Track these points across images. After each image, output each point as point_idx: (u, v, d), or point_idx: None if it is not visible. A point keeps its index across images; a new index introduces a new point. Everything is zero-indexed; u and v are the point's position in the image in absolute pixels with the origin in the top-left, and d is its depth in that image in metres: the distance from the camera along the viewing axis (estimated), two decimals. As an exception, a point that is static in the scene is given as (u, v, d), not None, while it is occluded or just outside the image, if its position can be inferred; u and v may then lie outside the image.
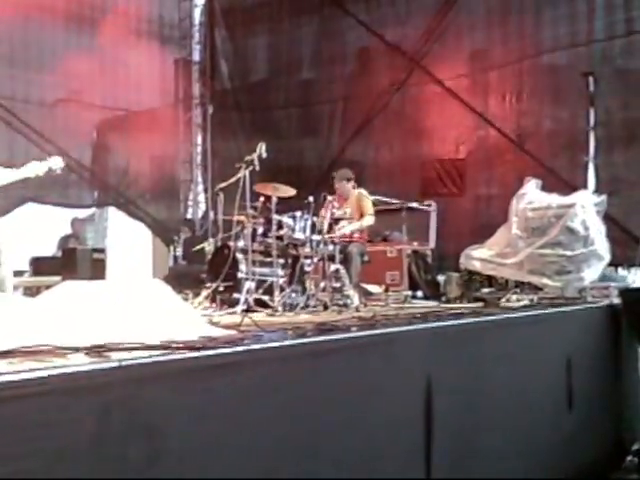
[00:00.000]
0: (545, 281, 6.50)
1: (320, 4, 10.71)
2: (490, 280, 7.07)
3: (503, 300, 6.16)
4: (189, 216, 11.31)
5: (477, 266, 6.86)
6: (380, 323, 3.84)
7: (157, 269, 10.22)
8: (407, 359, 3.42)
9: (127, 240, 10.99)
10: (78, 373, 2.16)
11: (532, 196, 6.81)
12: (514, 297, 6.26)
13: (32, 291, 6.29)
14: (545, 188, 6.95)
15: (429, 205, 8.74)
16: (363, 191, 6.61)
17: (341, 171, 6.64)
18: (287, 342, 2.96)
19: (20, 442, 1.92)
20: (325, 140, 10.58)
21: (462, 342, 3.87)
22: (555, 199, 6.70)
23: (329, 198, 6.18)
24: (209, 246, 7.04)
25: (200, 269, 7.55)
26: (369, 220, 6.45)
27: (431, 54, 9.93)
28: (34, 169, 4.37)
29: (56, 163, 4.48)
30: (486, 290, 7.00)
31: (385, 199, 7.66)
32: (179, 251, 9.55)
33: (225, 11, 11.47)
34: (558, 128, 9.05)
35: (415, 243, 8.12)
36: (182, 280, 7.20)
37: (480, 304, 6.08)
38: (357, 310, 5.25)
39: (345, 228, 6.13)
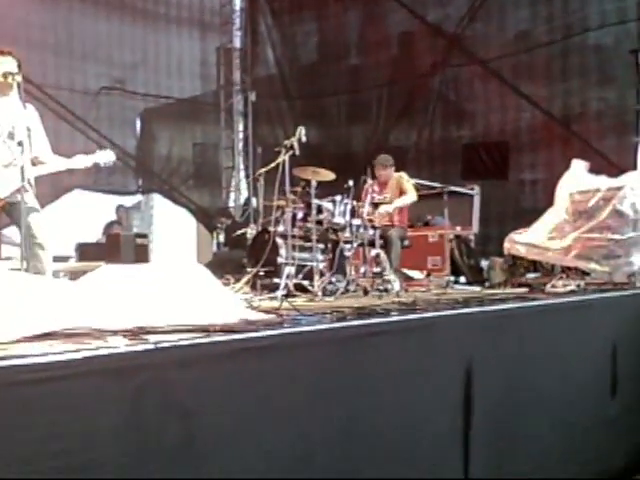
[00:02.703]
0: (593, 266, 6.33)
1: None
2: (535, 265, 6.92)
3: (549, 286, 6.02)
4: (231, 203, 11.39)
5: (522, 251, 6.72)
6: (420, 308, 3.79)
7: (201, 255, 10.34)
8: (447, 344, 3.37)
9: (172, 227, 11.13)
10: (114, 355, 2.18)
11: (579, 179, 6.63)
12: (560, 282, 6.11)
13: (77, 276, 6.39)
14: (593, 170, 6.76)
15: (472, 189, 8.59)
16: (404, 174, 6.53)
17: (382, 157, 6.54)
18: (325, 326, 2.94)
19: (59, 422, 1.95)
20: (371, 126, 10.50)
21: (504, 327, 3.80)
22: (603, 181, 6.51)
23: (369, 182, 6.13)
24: (251, 232, 7.06)
25: (242, 255, 7.59)
26: (412, 197, 6.34)
27: (473, 35, 9.76)
28: (81, 161, 4.42)
29: (105, 157, 4.50)
30: (531, 275, 6.86)
31: (426, 183, 7.56)
32: (222, 237, 9.63)
33: (269, -2, 11.47)
34: (606, 108, 8.80)
35: (458, 228, 7.99)
36: (225, 266, 7.26)
37: (525, 290, 5.95)
38: (398, 295, 5.19)
39: (388, 207, 6.04)
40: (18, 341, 2.51)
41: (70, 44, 9.09)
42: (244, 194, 11.40)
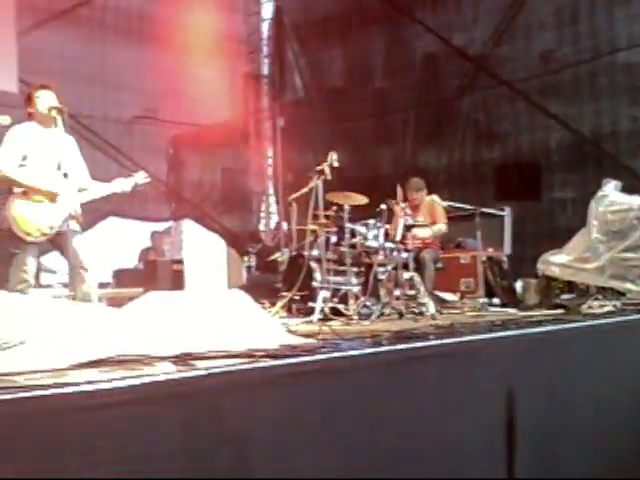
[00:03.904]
0: (628, 286, 6.27)
1: (388, 13, 10.72)
2: (570, 286, 6.86)
3: (585, 306, 5.96)
4: (262, 227, 11.49)
5: (556, 272, 6.67)
6: (459, 331, 3.79)
7: (231, 280, 10.41)
8: (488, 368, 3.36)
9: (202, 252, 11.23)
10: (165, 382, 2.23)
11: (612, 198, 6.59)
12: (596, 303, 6.05)
13: (116, 302, 6.49)
14: (625, 189, 6.72)
15: (502, 209, 8.57)
16: (436, 198, 6.56)
17: (414, 180, 6.58)
18: (367, 350, 2.96)
19: (109, 449, 1.99)
20: (399, 149, 10.55)
21: (544, 350, 3.77)
22: (636, 200, 6.46)
23: (401, 205, 6.16)
24: (282, 256, 7.12)
25: (274, 279, 7.65)
26: (442, 228, 6.39)
27: (500, 57, 9.80)
28: (121, 185, 4.58)
29: (141, 178, 4.67)
30: (566, 296, 6.79)
31: (458, 205, 7.56)
32: (253, 261, 9.71)
33: (296, 25, 11.62)
34: (637, 127, 8.75)
35: (490, 249, 7.96)
36: (257, 290, 7.29)
37: (560, 311, 5.90)
38: (433, 318, 5.19)
39: (422, 231, 6.06)
40: (70, 368, 2.57)
41: (103, 75, 9.29)
42: (274, 219, 11.50)
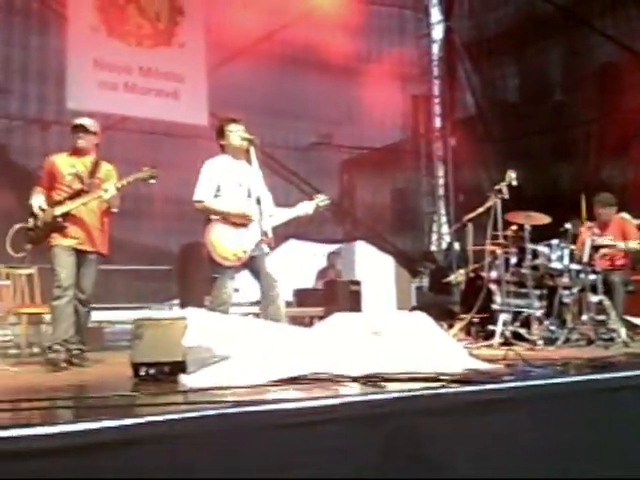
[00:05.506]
0: None
1: (565, 25, 10.29)
2: None
3: None
4: (433, 247, 11.42)
5: None
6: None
7: (400, 300, 10.44)
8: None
9: (374, 272, 11.38)
10: (360, 403, 2.30)
11: None
12: None
13: (297, 321, 6.77)
14: None
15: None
16: (626, 215, 6.14)
17: (604, 195, 6.22)
18: (562, 379, 2.85)
19: (304, 467, 2.08)
20: (580, 164, 10.04)
21: None
22: None
23: (588, 224, 5.85)
24: (458, 277, 7.04)
25: (447, 300, 7.57)
26: (635, 244, 5.92)
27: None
28: (305, 208, 4.77)
29: (322, 200, 4.85)
30: None
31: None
32: (425, 282, 9.66)
33: (467, 45, 11.52)
34: None
35: (688, 270, 7.29)
36: (430, 311, 7.25)
37: None
38: (626, 345, 4.86)
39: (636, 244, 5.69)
40: (268, 385, 2.73)
41: (283, 104, 9.74)
42: (446, 239, 11.39)
